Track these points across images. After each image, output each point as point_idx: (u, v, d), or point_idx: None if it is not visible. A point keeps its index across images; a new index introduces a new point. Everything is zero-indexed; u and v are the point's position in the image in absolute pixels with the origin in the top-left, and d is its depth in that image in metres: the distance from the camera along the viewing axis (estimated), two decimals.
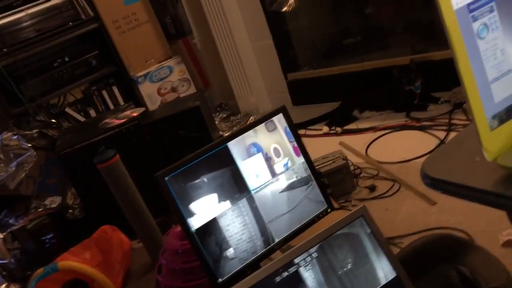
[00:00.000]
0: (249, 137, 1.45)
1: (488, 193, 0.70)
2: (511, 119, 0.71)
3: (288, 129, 1.51)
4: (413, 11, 2.98)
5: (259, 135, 1.47)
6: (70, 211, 2.57)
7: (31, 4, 2.84)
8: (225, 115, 3.40)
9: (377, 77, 2.84)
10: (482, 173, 0.74)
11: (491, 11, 0.69)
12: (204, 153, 1.39)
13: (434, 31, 2.82)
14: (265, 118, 1.49)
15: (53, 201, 2.52)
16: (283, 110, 1.51)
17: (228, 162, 1.41)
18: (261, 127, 1.48)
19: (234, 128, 3.15)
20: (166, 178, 1.33)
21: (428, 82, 2.60)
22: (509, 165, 0.68)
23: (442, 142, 2.21)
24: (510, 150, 0.71)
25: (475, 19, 0.68)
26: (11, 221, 2.34)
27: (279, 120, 1.51)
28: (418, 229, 1.74)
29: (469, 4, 0.67)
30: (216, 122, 3.20)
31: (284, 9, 3.16)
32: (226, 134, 2.99)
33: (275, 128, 1.50)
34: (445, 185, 0.76)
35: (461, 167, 0.78)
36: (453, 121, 2.33)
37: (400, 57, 2.80)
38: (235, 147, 1.43)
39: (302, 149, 1.52)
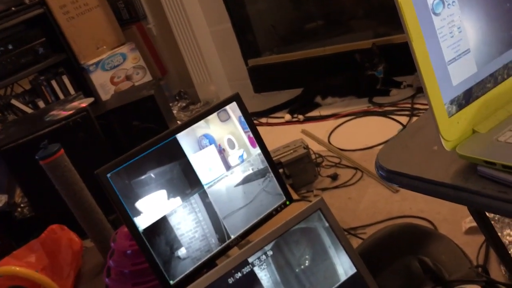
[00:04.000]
0: (200, 128, 1.35)
1: (446, 186, 0.63)
2: (470, 104, 0.64)
3: (242, 118, 1.41)
4: None
5: (211, 126, 1.37)
6: (19, 209, 2.42)
7: None
8: (184, 104, 3.27)
9: (339, 62, 2.78)
10: (440, 163, 0.67)
11: None
12: (150, 146, 1.28)
13: (396, 14, 2.76)
14: (218, 107, 1.38)
15: None
16: (236, 98, 1.41)
17: (178, 155, 1.30)
18: (213, 117, 1.37)
19: None
20: (108, 175, 1.21)
21: (391, 66, 2.55)
22: (469, 154, 0.61)
23: (404, 127, 2.16)
24: (470, 138, 0.64)
25: None
26: None
27: (232, 109, 1.41)
28: (380, 218, 1.69)
29: None
30: (175, 111, 3.08)
31: None
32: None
33: (228, 117, 1.40)
34: (400, 178, 0.69)
35: (418, 157, 0.71)
36: (415, 106, 2.29)
37: (362, 41, 2.74)
38: (185, 139, 1.32)
39: (258, 140, 1.42)
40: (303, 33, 3.17)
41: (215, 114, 1.38)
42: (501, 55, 0.66)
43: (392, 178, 0.70)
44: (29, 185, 2.19)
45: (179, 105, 3.26)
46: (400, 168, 0.69)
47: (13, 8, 2.74)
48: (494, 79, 0.66)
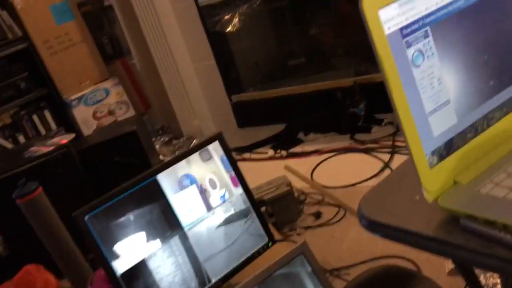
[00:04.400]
0: (181, 168, 1.33)
1: (429, 238, 0.62)
2: (451, 155, 0.64)
3: (225, 157, 1.40)
4: (355, 33, 2.98)
5: (193, 166, 1.35)
6: None
7: None
8: (167, 139, 3.25)
9: (321, 99, 2.80)
10: (422, 214, 0.66)
11: (426, 36, 0.61)
12: (130, 187, 1.25)
13: None
14: (200, 146, 1.37)
15: None
16: (219, 137, 1.41)
17: (158, 196, 1.28)
18: (195, 156, 1.36)
19: (176, 152, 3.01)
20: (86, 218, 1.18)
21: (372, 104, 2.58)
22: (451, 207, 0.60)
23: (386, 165, 2.17)
24: (452, 190, 0.63)
25: (409, 45, 0.60)
26: None
27: (215, 148, 1.40)
28: (364, 258, 1.66)
29: (402, 29, 0.59)
30: (157, 146, 3.06)
31: (228, 29, 3.09)
32: (164, 160, 2.85)
33: (210, 157, 1.38)
34: (383, 228, 0.68)
35: (401, 206, 0.70)
36: (396, 143, 2.31)
37: (344, 78, 2.78)
38: (165, 179, 1.30)
39: (240, 179, 1.41)
40: (286, 70, 3.21)
41: (197, 153, 1.37)
42: (481, 106, 0.66)
43: (375, 228, 0.69)
44: (5, 223, 2.13)
45: (162, 139, 3.24)
46: (383, 218, 0.68)
47: None
48: (474, 130, 0.66)
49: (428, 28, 0.61)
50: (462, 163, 0.65)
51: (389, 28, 0.58)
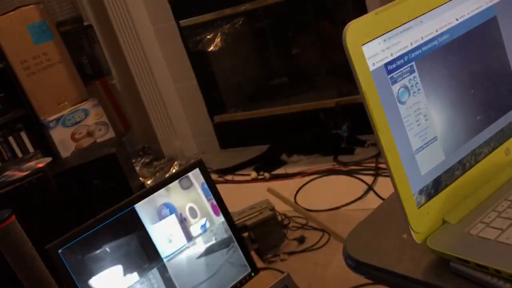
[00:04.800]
0: (160, 196, 1.29)
1: (418, 282, 0.59)
2: (439, 193, 0.62)
3: (205, 185, 1.36)
4: (337, 54, 2.99)
5: (172, 194, 1.31)
6: None
7: None
8: (147, 160, 3.19)
9: (304, 120, 2.80)
10: (410, 255, 0.64)
11: (412, 72, 0.59)
12: (106, 218, 1.20)
13: None
14: (180, 174, 1.33)
15: None
16: (199, 164, 1.36)
17: (136, 227, 1.23)
18: (175, 184, 1.32)
19: (157, 174, 2.96)
20: (60, 251, 1.13)
21: (355, 125, 2.58)
22: (441, 249, 0.58)
23: (370, 187, 2.16)
24: (440, 230, 0.61)
25: (394, 81, 0.58)
26: None
27: (195, 175, 1.35)
28: (349, 285, 1.63)
29: (386, 65, 0.57)
30: (138, 168, 3.00)
31: (210, 49, 3.07)
32: (144, 183, 2.79)
33: (190, 185, 1.34)
34: (369, 270, 0.65)
35: (388, 246, 0.68)
36: (380, 165, 2.30)
37: (326, 99, 2.78)
38: (143, 209, 1.25)
39: (222, 207, 1.37)
40: (268, 90, 3.20)
41: (176, 181, 1.32)
42: (468, 142, 0.64)
43: (361, 269, 0.66)
44: None
45: (142, 161, 3.18)
46: (369, 259, 0.66)
47: None
48: (462, 166, 0.64)
49: (413, 63, 0.59)
50: (451, 202, 0.62)
51: (373, 64, 0.56)
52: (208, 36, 3.02)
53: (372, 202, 2.06)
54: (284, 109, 2.93)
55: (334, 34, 2.96)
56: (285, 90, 3.10)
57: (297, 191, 2.34)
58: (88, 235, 1.17)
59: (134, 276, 1.20)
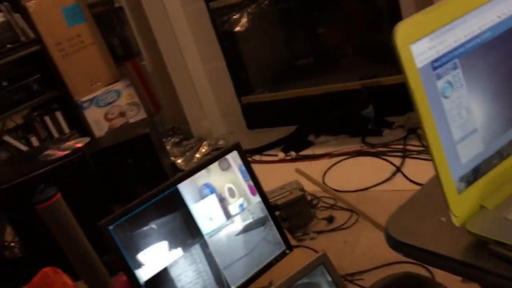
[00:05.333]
0: (201, 177, 1.36)
1: (456, 261, 0.64)
2: (478, 180, 0.66)
3: (243, 167, 1.43)
4: (364, 34, 3.00)
5: (212, 175, 1.38)
6: (9, 250, 2.37)
7: None
8: (177, 140, 3.28)
9: (331, 101, 2.82)
10: (449, 236, 0.68)
11: (455, 68, 0.63)
12: (152, 197, 1.28)
13: (387, 54, 2.83)
14: (219, 156, 1.40)
15: None
16: (237, 147, 1.43)
17: (179, 205, 1.31)
18: (215, 166, 1.39)
19: (187, 153, 3.04)
20: (110, 227, 1.21)
21: (382, 107, 2.60)
22: (478, 232, 0.63)
23: (398, 169, 2.19)
24: (479, 214, 0.66)
25: (439, 77, 0.62)
26: None
27: (233, 158, 1.42)
28: (378, 263, 1.69)
29: (432, 62, 0.61)
30: (168, 147, 3.09)
31: (237, 29, 3.10)
32: (174, 161, 2.88)
33: (229, 166, 1.41)
34: (410, 249, 0.70)
35: (427, 228, 0.73)
36: (408, 147, 2.33)
37: (353, 81, 2.79)
38: (186, 188, 1.33)
39: (258, 188, 1.44)
40: (295, 70, 3.22)
41: (216, 163, 1.39)
42: (506, 132, 0.68)
43: (402, 248, 0.71)
44: (21, 225, 2.16)
45: (172, 140, 3.26)
46: (409, 239, 0.71)
47: (8, 45, 2.75)
48: (500, 155, 0.68)
49: (457, 60, 0.64)
50: (489, 188, 0.67)
51: (420, 62, 0.61)
52: (235, 16, 3.05)
53: (400, 183, 2.09)
54: (311, 90, 2.96)
55: (361, 14, 2.96)
56: (311, 71, 3.12)
57: (325, 172, 2.40)
58: (136, 213, 1.25)
59: (179, 251, 1.28)
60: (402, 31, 0.59)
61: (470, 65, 0.65)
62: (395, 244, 0.73)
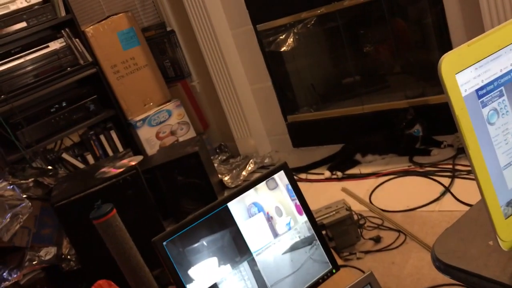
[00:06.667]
0: (249, 196, 1.40)
1: (504, 285, 0.65)
2: None
3: (290, 186, 1.46)
4: (411, 52, 2.98)
5: (260, 194, 1.42)
6: (66, 263, 2.49)
7: (30, 51, 2.84)
8: (224, 157, 3.36)
9: (377, 120, 2.82)
10: (497, 261, 0.69)
11: (501, 96, 0.65)
12: (203, 215, 1.34)
13: (434, 72, 2.80)
14: (266, 176, 1.44)
15: (48, 252, 2.45)
16: (284, 167, 1.47)
17: (229, 223, 1.36)
18: (262, 185, 1.43)
19: (234, 171, 3.11)
20: (164, 243, 1.27)
21: (430, 125, 2.57)
22: None
23: (447, 189, 2.16)
24: None
25: (484, 105, 0.64)
26: (4, 275, 2.26)
27: (280, 177, 1.46)
28: (426, 285, 1.67)
29: (477, 90, 0.64)
30: (215, 164, 3.16)
31: (283, 49, 3.17)
32: (222, 179, 2.94)
33: (276, 186, 1.45)
34: (458, 273, 0.72)
35: (474, 251, 0.74)
36: (457, 167, 2.29)
37: (400, 100, 2.78)
38: (235, 207, 1.38)
39: (304, 207, 1.46)
40: (341, 89, 3.24)
41: (263, 182, 1.44)
42: None
43: (450, 272, 0.72)
44: (78, 239, 2.28)
45: (219, 158, 3.35)
46: (456, 262, 0.72)
47: (68, 69, 2.93)
48: None
49: (502, 87, 0.65)
50: None
51: (465, 90, 0.63)
52: (281, 37, 3.11)
53: (449, 204, 2.06)
54: (357, 109, 2.96)
55: (408, 32, 2.95)
56: (357, 89, 3.13)
57: (372, 192, 2.39)
58: (187, 230, 1.30)
59: (228, 268, 1.32)
60: (447, 62, 0.62)
61: None
62: (442, 266, 0.74)
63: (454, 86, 0.62)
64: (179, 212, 2.67)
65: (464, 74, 0.63)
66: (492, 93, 0.65)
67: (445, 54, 0.62)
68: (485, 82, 0.64)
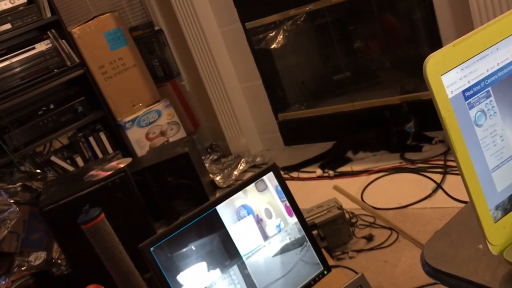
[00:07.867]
0: (238, 198, 1.38)
1: None
2: None
3: (279, 187, 1.44)
4: (401, 48, 2.97)
5: (249, 196, 1.40)
6: (56, 267, 2.46)
7: (16, 53, 2.79)
8: (215, 157, 3.33)
9: (369, 117, 2.80)
10: (486, 265, 0.68)
11: (488, 96, 0.63)
12: (191, 219, 1.31)
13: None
14: (255, 177, 1.42)
15: (37, 257, 2.42)
16: (273, 168, 1.45)
17: (218, 227, 1.33)
18: (251, 187, 1.41)
19: (225, 170, 3.08)
20: (152, 249, 1.25)
21: (422, 121, 2.56)
22: None
23: (438, 186, 2.15)
24: None
25: (471, 106, 0.62)
26: None
27: (269, 178, 1.44)
28: (418, 283, 1.66)
29: (464, 92, 0.62)
30: (206, 164, 3.14)
31: (273, 46, 3.14)
32: (213, 179, 2.92)
33: (266, 187, 1.43)
34: (448, 278, 0.70)
35: (464, 255, 0.72)
36: (448, 163, 2.28)
37: (391, 96, 2.77)
38: (224, 210, 1.35)
39: (294, 208, 1.44)
40: (332, 86, 3.22)
41: (253, 184, 1.41)
42: None
43: (440, 277, 0.71)
44: (68, 243, 2.25)
45: (210, 158, 3.32)
46: (447, 268, 0.71)
47: (55, 70, 2.89)
48: None
49: (489, 88, 0.64)
50: None
51: (451, 92, 0.61)
52: (271, 34, 3.09)
53: (441, 200, 2.05)
54: (348, 106, 2.95)
55: (398, 28, 2.94)
56: (348, 85, 3.12)
57: (364, 189, 2.37)
58: (175, 235, 1.28)
59: (217, 272, 1.30)
60: (432, 63, 0.60)
61: (504, 93, 0.65)
62: (431, 272, 0.72)
63: (440, 87, 0.61)
64: (171, 213, 2.64)
65: (450, 75, 0.61)
66: (479, 94, 0.63)
67: (430, 55, 0.60)
68: (472, 83, 0.63)
